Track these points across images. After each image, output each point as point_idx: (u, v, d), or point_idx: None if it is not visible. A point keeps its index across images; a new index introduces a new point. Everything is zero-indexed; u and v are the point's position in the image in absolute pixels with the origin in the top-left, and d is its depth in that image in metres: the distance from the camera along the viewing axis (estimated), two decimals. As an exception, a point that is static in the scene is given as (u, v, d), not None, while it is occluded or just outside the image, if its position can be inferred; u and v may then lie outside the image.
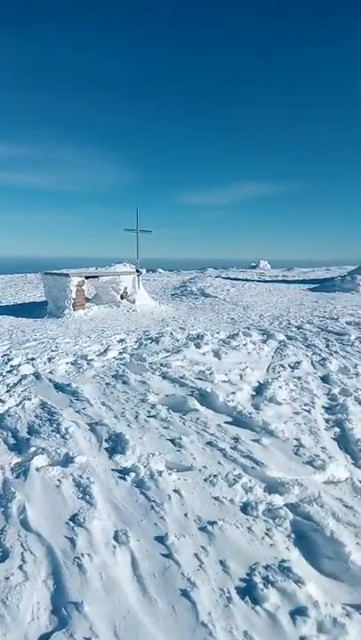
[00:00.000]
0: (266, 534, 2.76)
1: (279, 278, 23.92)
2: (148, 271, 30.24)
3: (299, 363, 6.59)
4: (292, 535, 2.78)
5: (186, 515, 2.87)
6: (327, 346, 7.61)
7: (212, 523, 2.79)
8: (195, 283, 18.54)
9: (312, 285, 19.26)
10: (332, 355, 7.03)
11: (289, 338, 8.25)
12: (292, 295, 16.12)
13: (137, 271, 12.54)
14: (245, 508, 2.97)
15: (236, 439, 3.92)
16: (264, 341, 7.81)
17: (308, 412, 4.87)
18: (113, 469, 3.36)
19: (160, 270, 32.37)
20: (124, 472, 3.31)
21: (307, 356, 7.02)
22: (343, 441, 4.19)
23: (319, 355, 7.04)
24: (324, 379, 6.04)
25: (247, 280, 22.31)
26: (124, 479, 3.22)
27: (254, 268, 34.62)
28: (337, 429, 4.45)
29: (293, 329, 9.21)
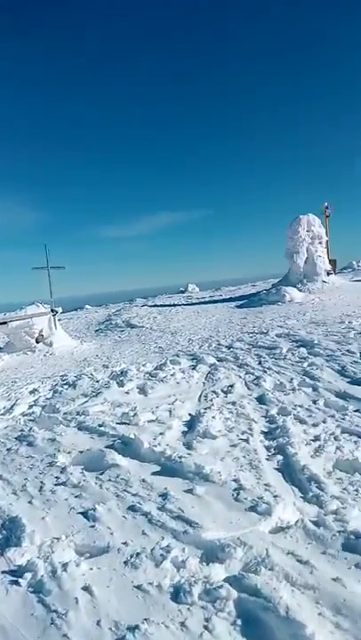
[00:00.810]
0: (205, 627, 2.10)
1: (206, 299, 23.81)
2: (75, 309, 29.12)
3: (232, 386, 6.09)
4: (238, 621, 2.14)
5: (98, 623, 2.14)
6: (260, 362, 7.20)
7: (134, 628, 2.08)
8: (120, 315, 17.87)
9: (239, 302, 19.21)
10: (265, 372, 6.60)
11: (220, 360, 7.77)
12: (221, 314, 15.88)
13: (52, 311, 11.68)
14: (177, 594, 2.30)
15: (165, 495, 3.24)
16: (194, 367, 7.27)
17: (247, 440, 4.32)
18: (3, 572, 2.55)
19: (87, 307, 31.33)
20: (17, 573, 2.52)
21: (240, 377, 6.54)
22: (288, 470, 3.66)
23: (252, 374, 6.59)
24: (261, 399, 5.57)
25: (175, 305, 21.96)
26: (18, 584, 2.43)
27: (183, 292, 34.54)
28: (280, 457, 3.92)
29: (224, 349, 8.77)
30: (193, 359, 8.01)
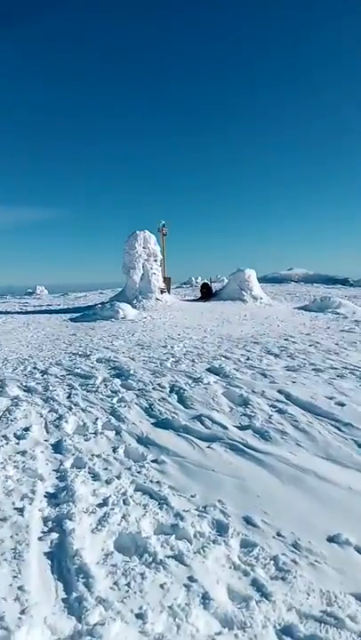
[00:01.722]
0: None
1: (43, 308, 22.46)
2: None
3: (28, 429, 5.38)
4: None
5: None
6: (69, 396, 6.61)
7: None
8: None
9: (75, 314, 18.44)
10: (71, 408, 6.03)
11: (27, 390, 6.97)
12: (51, 328, 14.93)
13: None
14: None
15: None
16: (-8, 402, 6.34)
17: (22, 511, 3.68)
18: None
19: None
20: None
21: (41, 415, 5.86)
22: (58, 557, 3.13)
23: (56, 411, 5.97)
24: (58, 446, 4.98)
25: (7, 312, 20.19)
26: None
27: (31, 294, 32.66)
28: (54, 536, 3.37)
29: (37, 375, 7.97)
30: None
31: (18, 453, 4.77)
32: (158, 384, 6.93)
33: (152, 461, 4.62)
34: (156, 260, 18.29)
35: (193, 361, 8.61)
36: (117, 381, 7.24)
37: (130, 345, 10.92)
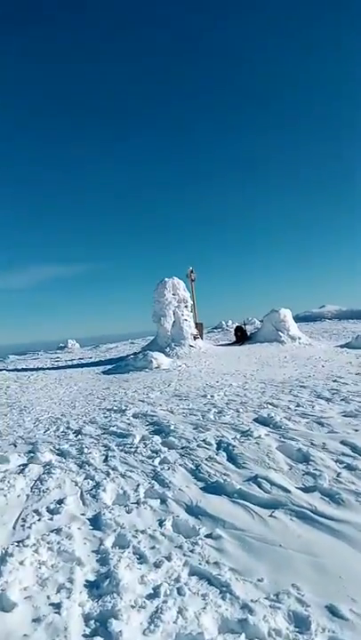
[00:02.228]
0: None
1: (75, 362, 22.24)
2: None
3: (63, 500, 4.79)
4: None
5: None
6: (105, 458, 6.01)
7: None
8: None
9: (108, 367, 18.05)
10: (109, 474, 5.42)
11: (60, 454, 6.42)
12: (84, 382, 14.51)
13: None
14: None
15: None
16: (22, 469, 5.80)
17: (59, 609, 3.06)
18: None
19: None
20: None
21: (76, 484, 5.26)
22: None
23: (93, 478, 5.37)
24: (96, 521, 4.37)
25: (39, 369, 20.01)
26: None
27: (62, 348, 32.78)
28: (98, 641, 2.74)
29: (71, 436, 7.43)
30: (28, 453, 6.54)
31: (52, 532, 4.17)
32: (203, 440, 6.26)
33: (206, 536, 3.95)
34: (186, 306, 17.92)
35: (237, 411, 7.92)
36: (157, 439, 6.61)
37: (167, 396, 10.32)
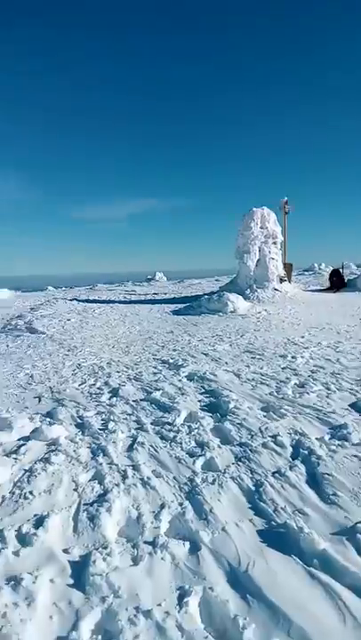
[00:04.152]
0: None
1: (148, 297, 20.84)
2: (37, 290, 28.28)
3: (44, 519, 3.14)
4: None
5: None
6: (131, 445, 4.27)
7: None
8: (35, 311, 14.63)
9: (180, 305, 16.31)
10: (126, 477, 3.68)
11: (78, 425, 4.83)
12: (148, 322, 12.93)
13: None
14: None
15: None
16: (19, 448, 4.25)
17: None
18: None
19: (49, 288, 30.42)
20: None
21: (75, 489, 3.57)
22: None
23: (102, 481, 3.65)
24: (80, 571, 2.70)
25: (108, 302, 18.90)
26: None
27: (149, 280, 32.72)
28: None
29: (103, 398, 5.82)
30: (43, 417, 5.04)
31: (8, 582, 2.55)
32: (272, 436, 4.26)
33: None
34: (275, 243, 15.31)
35: (327, 387, 5.75)
36: (209, 422, 4.72)
37: (237, 351, 8.34)
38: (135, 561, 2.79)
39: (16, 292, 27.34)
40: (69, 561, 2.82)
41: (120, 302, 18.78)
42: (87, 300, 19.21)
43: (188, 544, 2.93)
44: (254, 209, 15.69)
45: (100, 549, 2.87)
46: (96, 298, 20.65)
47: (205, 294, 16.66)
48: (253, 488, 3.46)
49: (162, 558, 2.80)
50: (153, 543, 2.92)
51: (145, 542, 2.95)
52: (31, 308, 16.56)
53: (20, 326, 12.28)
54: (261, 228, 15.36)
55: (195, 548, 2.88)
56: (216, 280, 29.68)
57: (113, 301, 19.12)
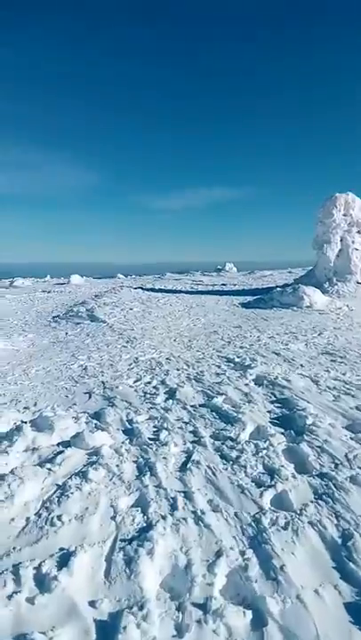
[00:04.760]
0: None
1: (216, 288, 20.03)
2: (108, 277, 29.40)
3: (70, 556, 2.50)
4: None
5: None
6: (184, 465, 3.53)
7: None
8: (98, 299, 14.36)
9: (249, 298, 15.35)
10: (175, 509, 2.96)
11: (125, 432, 4.17)
12: (215, 315, 12.15)
13: None
14: None
15: None
16: (54, 457, 3.67)
17: None
18: None
19: (119, 275, 31.13)
20: None
21: (113, 517, 2.91)
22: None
23: (145, 511, 2.95)
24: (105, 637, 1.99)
25: (174, 292, 18.32)
26: None
27: (219, 271, 32.00)
28: None
29: (158, 400, 5.15)
30: (90, 419, 4.46)
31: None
32: (364, 470, 3.34)
33: None
34: (359, 232, 13.86)
35: None
36: (280, 440, 3.87)
37: (313, 352, 7.34)
38: (179, 631, 2.09)
39: (87, 278, 27.66)
40: (95, 620, 2.18)
41: (186, 292, 18.13)
42: (152, 290, 18.76)
43: (249, 613, 2.17)
44: (337, 194, 14.29)
45: (135, 609, 2.19)
46: (162, 287, 20.17)
47: (278, 287, 15.54)
48: (340, 540, 2.61)
49: (214, 631, 2.08)
50: (204, 607, 2.20)
51: (193, 604, 2.23)
52: (95, 295, 16.35)
53: (81, 313, 12.00)
54: (345, 215, 13.95)
55: (259, 621, 2.13)
56: (289, 272, 28.23)
57: (179, 291, 18.51)
